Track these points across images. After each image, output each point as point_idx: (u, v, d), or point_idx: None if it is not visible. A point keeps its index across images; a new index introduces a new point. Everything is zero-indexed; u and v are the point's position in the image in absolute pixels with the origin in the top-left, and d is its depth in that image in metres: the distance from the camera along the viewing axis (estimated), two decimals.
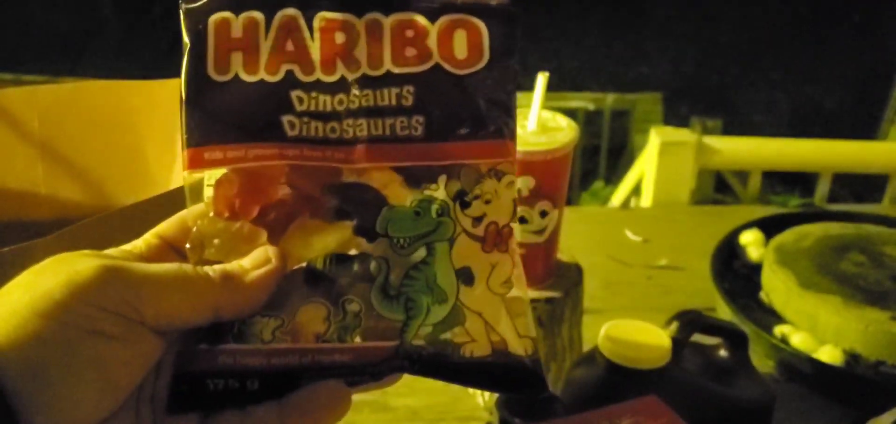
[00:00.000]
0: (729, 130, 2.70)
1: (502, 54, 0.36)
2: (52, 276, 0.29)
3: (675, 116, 2.92)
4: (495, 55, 0.35)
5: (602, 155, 2.79)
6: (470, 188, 0.35)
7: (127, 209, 0.43)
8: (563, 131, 0.62)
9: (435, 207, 0.35)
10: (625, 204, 1.43)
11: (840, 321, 0.74)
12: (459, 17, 0.35)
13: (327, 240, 0.35)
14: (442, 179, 0.35)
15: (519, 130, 0.48)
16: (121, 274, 0.30)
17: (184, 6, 0.35)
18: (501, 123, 0.36)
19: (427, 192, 0.35)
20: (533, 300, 0.62)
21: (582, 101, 2.74)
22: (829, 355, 0.73)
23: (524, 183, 0.60)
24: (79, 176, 0.57)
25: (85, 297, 0.29)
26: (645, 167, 1.24)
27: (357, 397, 0.34)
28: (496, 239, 0.35)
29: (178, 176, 0.58)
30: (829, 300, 0.76)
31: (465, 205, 0.35)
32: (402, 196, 0.35)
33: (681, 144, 1.17)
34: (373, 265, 0.35)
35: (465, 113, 0.35)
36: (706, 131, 2.09)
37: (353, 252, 0.35)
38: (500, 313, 0.35)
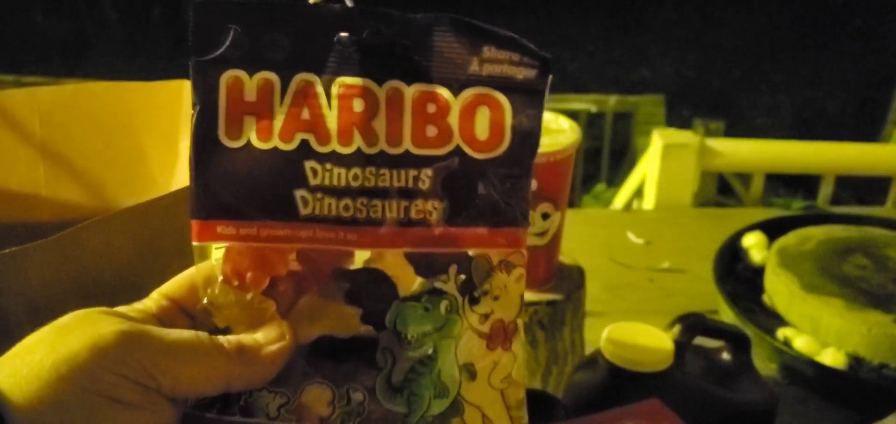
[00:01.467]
0: (731, 132, 2.70)
1: (524, 135, 0.34)
2: (76, 338, 0.29)
3: (677, 119, 2.93)
4: (517, 137, 0.34)
5: (604, 157, 2.79)
6: (480, 283, 0.35)
7: (128, 211, 0.43)
8: (565, 133, 0.62)
9: (444, 303, 0.35)
10: (627, 206, 1.43)
11: (843, 323, 0.74)
12: (483, 93, 0.34)
13: (335, 321, 0.35)
14: (453, 269, 0.35)
15: None
16: (142, 342, 0.30)
17: (194, 58, 0.32)
18: (517, 210, 0.35)
19: (437, 283, 0.35)
20: (535, 303, 0.62)
21: (584, 103, 2.74)
22: (831, 358, 0.73)
23: None
24: (80, 178, 0.57)
25: (107, 363, 0.29)
26: (647, 170, 1.24)
27: None
28: (501, 337, 0.35)
29: (179, 178, 0.58)
30: (831, 303, 0.75)
31: (473, 301, 0.35)
32: (411, 282, 0.35)
33: (683, 147, 1.16)
34: (379, 356, 0.35)
35: (482, 200, 0.34)
36: (709, 134, 2.09)
37: (360, 333, 0.35)
38: (497, 406, 0.35)
